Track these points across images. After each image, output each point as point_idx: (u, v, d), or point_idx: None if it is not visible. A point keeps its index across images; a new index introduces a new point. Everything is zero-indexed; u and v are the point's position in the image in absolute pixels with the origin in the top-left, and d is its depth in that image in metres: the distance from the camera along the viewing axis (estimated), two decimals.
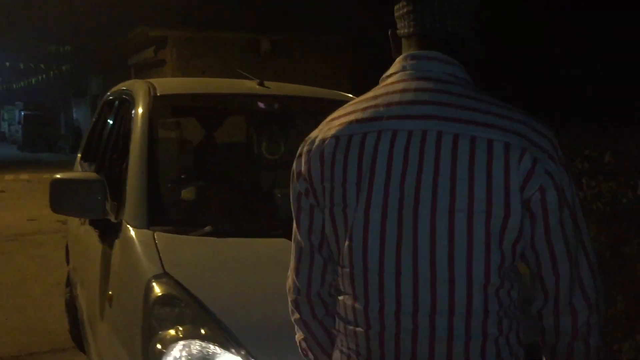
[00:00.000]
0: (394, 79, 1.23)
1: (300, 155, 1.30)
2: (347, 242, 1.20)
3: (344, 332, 1.27)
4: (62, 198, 2.55)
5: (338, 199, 1.20)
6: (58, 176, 2.59)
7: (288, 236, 2.29)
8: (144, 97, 2.88)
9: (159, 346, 1.83)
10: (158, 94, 2.92)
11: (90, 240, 2.88)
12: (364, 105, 1.23)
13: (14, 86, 29.48)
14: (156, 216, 2.35)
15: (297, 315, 1.40)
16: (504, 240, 1.12)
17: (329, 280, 1.33)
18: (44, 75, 26.98)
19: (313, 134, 1.30)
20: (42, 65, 25.86)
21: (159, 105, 2.85)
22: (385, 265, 1.15)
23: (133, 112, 2.85)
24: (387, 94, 1.22)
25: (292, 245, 1.37)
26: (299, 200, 1.31)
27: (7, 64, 25.37)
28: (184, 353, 1.81)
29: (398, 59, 1.26)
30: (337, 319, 1.30)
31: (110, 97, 3.82)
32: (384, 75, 1.27)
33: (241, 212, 2.61)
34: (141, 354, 1.89)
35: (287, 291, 1.41)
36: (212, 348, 1.82)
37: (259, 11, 13.21)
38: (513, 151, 1.10)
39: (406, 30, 1.24)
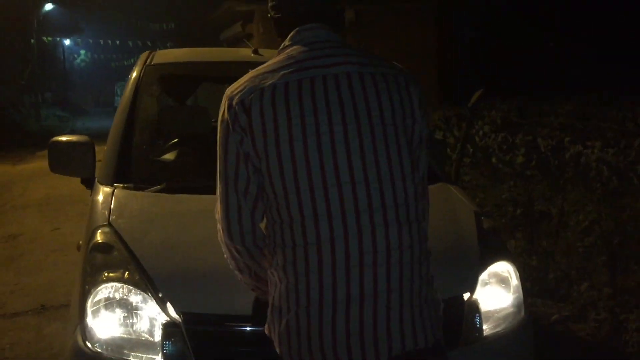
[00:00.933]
0: (299, 45, 1.53)
1: (232, 106, 1.47)
2: (309, 166, 1.41)
3: (293, 257, 1.42)
4: (58, 159, 2.81)
5: (297, 133, 1.42)
6: (54, 139, 2.85)
7: None
8: (139, 66, 3.09)
9: (87, 287, 2.04)
10: (152, 63, 3.11)
11: None
12: (286, 62, 1.50)
13: (125, 63, 31.39)
14: (123, 175, 2.56)
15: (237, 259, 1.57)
16: (412, 144, 1.52)
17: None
18: None
19: (239, 88, 1.48)
20: (149, 43, 27.33)
21: (149, 73, 3.04)
22: (354, 175, 1.42)
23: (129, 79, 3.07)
24: (302, 52, 1.51)
25: (222, 197, 1.51)
26: (238, 151, 1.47)
27: (117, 42, 27.04)
28: (106, 294, 2.01)
29: (293, 32, 1.56)
30: (277, 248, 1.45)
31: None
32: (282, 47, 1.57)
33: (201, 172, 2.75)
34: (78, 295, 2.11)
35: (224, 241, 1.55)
36: (132, 291, 2.00)
37: None
38: (411, 83, 1.53)
39: (290, 13, 1.58)
